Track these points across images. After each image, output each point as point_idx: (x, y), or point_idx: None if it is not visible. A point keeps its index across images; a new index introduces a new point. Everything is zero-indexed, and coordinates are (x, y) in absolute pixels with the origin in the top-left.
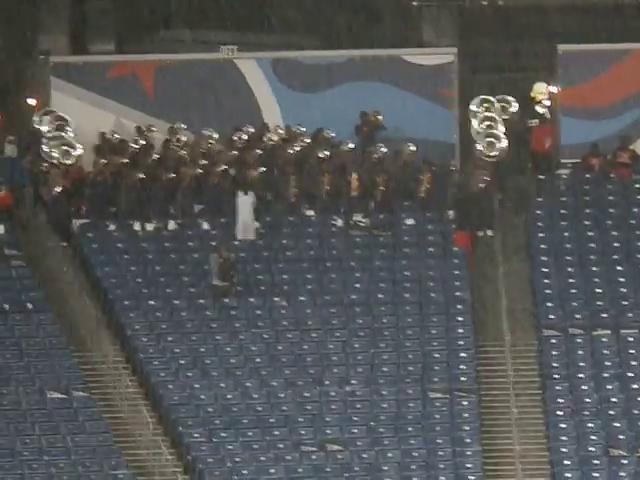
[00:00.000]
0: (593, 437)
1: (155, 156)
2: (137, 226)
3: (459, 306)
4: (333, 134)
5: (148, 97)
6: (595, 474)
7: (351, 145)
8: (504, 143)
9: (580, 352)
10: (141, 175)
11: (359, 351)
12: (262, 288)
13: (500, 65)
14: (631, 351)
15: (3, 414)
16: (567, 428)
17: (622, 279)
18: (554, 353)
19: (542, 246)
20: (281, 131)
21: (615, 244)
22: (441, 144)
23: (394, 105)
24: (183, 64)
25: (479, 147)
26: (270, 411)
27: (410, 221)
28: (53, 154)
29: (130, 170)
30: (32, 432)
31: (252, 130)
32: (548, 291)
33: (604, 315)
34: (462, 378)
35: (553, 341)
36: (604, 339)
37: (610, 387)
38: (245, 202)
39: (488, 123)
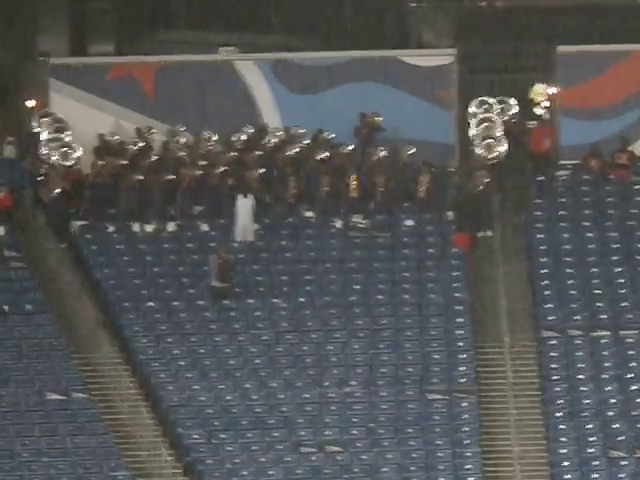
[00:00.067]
0: (592, 438)
1: (154, 157)
2: (136, 227)
3: (458, 307)
4: (333, 135)
5: (147, 99)
6: (594, 475)
7: (350, 147)
8: (504, 146)
9: (579, 353)
10: (140, 177)
11: (358, 352)
12: (261, 289)
13: (499, 66)
14: (630, 352)
15: (2, 415)
16: (566, 429)
17: (621, 280)
18: (553, 354)
19: (541, 247)
20: (280, 132)
21: (614, 245)
22: (440, 145)
23: (393, 106)
24: (182, 65)
25: (478, 150)
26: (269, 412)
27: (409, 222)
28: (52, 156)
29: (129, 172)
30: (31, 433)
31: (251, 131)
32: (547, 292)
33: (603, 316)
34: (461, 379)
35: (552, 342)
36: (603, 340)
37: (609, 388)
38: (244, 205)
39: (487, 125)
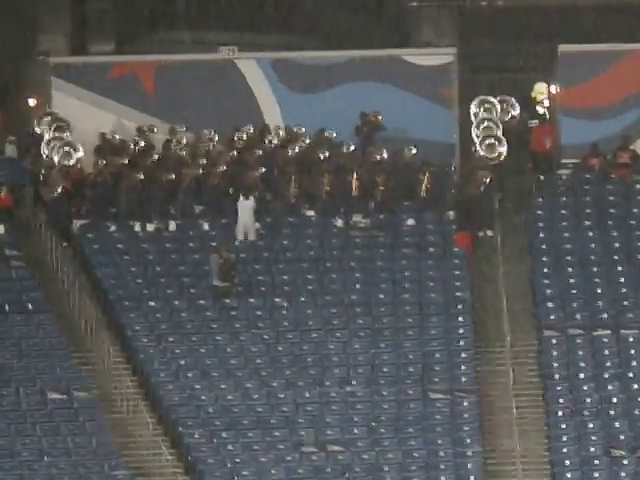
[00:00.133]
0: (593, 437)
1: (155, 157)
2: (137, 227)
3: (459, 306)
4: (335, 134)
5: (148, 97)
6: (595, 474)
7: (352, 147)
8: (504, 147)
9: (580, 352)
10: (141, 176)
11: (359, 352)
12: (262, 289)
13: (500, 65)
14: (631, 351)
15: (3, 414)
16: (567, 428)
17: (622, 279)
18: (554, 353)
19: (542, 246)
20: (281, 132)
21: (615, 244)
22: (441, 144)
23: (394, 105)
24: (183, 64)
25: (479, 150)
26: (270, 412)
27: (410, 221)
28: (54, 156)
29: (130, 171)
30: (32, 432)
31: (252, 130)
32: (548, 291)
33: (604, 315)
34: (462, 378)
35: (553, 341)
36: (604, 339)
37: (610, 387)
38: (246, 206)
39: (488, 125)
